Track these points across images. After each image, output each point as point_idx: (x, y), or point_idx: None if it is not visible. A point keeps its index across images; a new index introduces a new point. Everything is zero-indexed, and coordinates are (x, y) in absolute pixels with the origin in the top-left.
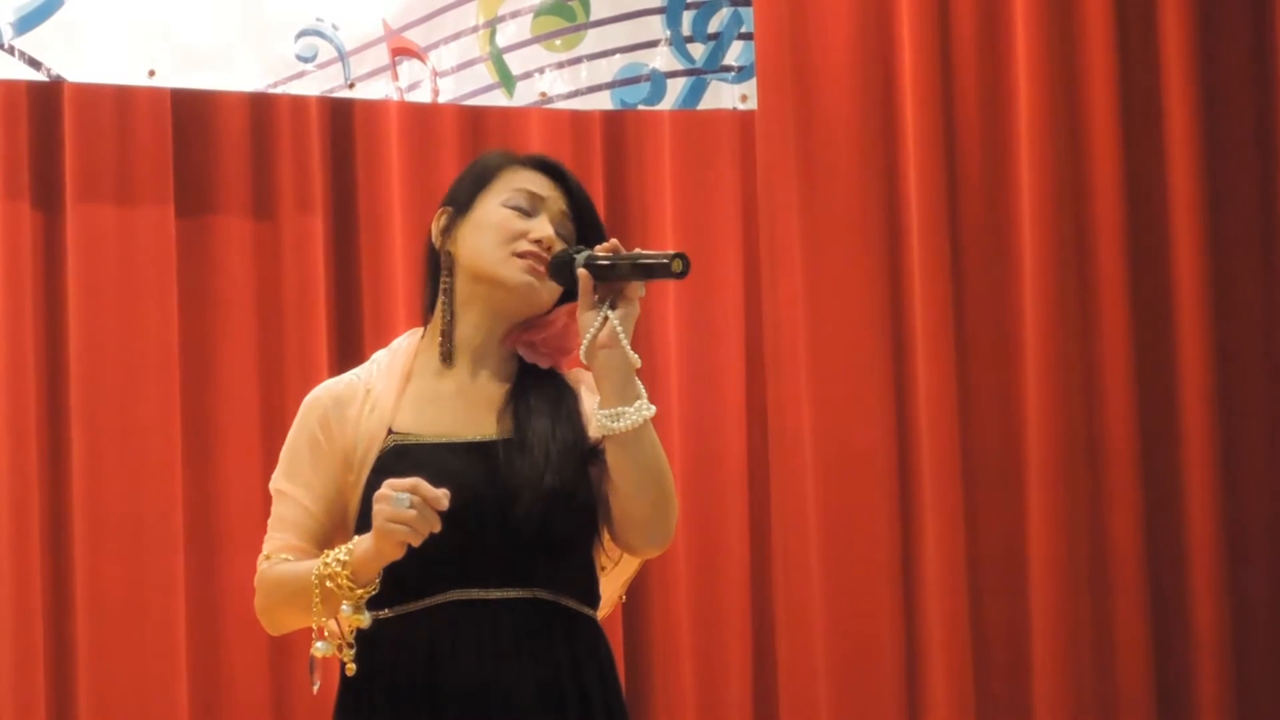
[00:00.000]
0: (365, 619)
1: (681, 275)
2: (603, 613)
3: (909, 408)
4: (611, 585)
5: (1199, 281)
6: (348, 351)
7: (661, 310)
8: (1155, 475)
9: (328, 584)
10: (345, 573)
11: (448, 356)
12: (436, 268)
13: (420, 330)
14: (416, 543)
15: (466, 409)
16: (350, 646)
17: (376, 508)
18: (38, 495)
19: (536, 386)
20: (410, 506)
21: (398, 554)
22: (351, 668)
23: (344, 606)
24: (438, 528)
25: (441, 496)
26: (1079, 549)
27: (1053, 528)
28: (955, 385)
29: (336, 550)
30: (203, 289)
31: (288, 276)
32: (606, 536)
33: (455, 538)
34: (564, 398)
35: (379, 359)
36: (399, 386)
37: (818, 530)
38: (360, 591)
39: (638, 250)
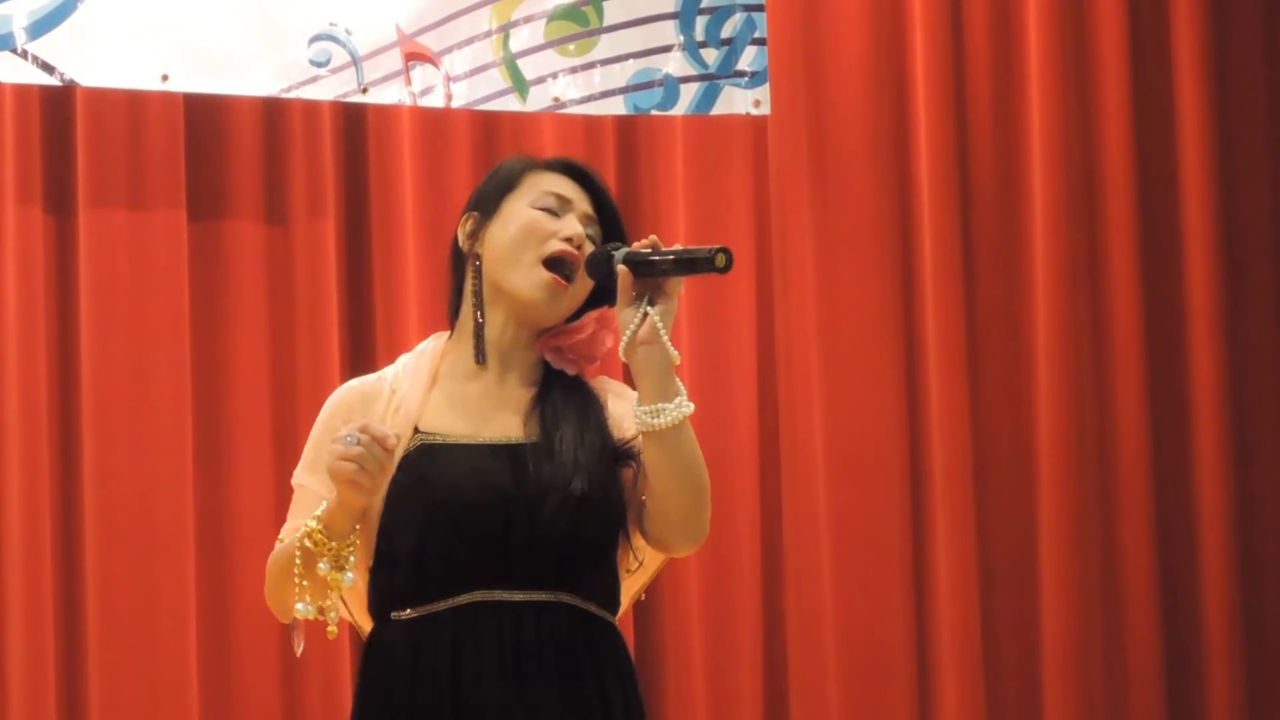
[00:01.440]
0: (346, 578)
1: (725, 270)
2: (619, 613)
3: (920, 411)
4: (632, 588)
5: (1211, 285)
6: (360, 356)
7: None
8: (1167, 479)
9: (306, 542)
10: (319, 527)
11: (481, 356)
12: (462, 273)
13: (446, 333)
14: (367, 483)
15: (493, 411)
16: (334, 610)
17: (329, 448)
18: (49, 500)
19: (563, 392)
20: (358, 444)
21: (355, 499)
22: (333, 630)
23: (321, 564)
24: (390, 467)
25: (389, 436)
26: (1090, 552)
27: (1064, 531)
28: (966, 389)
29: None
30: (215, 294)
31: (300, 281)
32: (636, 539)
33: (481, 538)
34: (591, 404)
35: (404, 361)
36: (426, 387)
37: (829, 533)
38: (334, 545)
39: (678, 246)
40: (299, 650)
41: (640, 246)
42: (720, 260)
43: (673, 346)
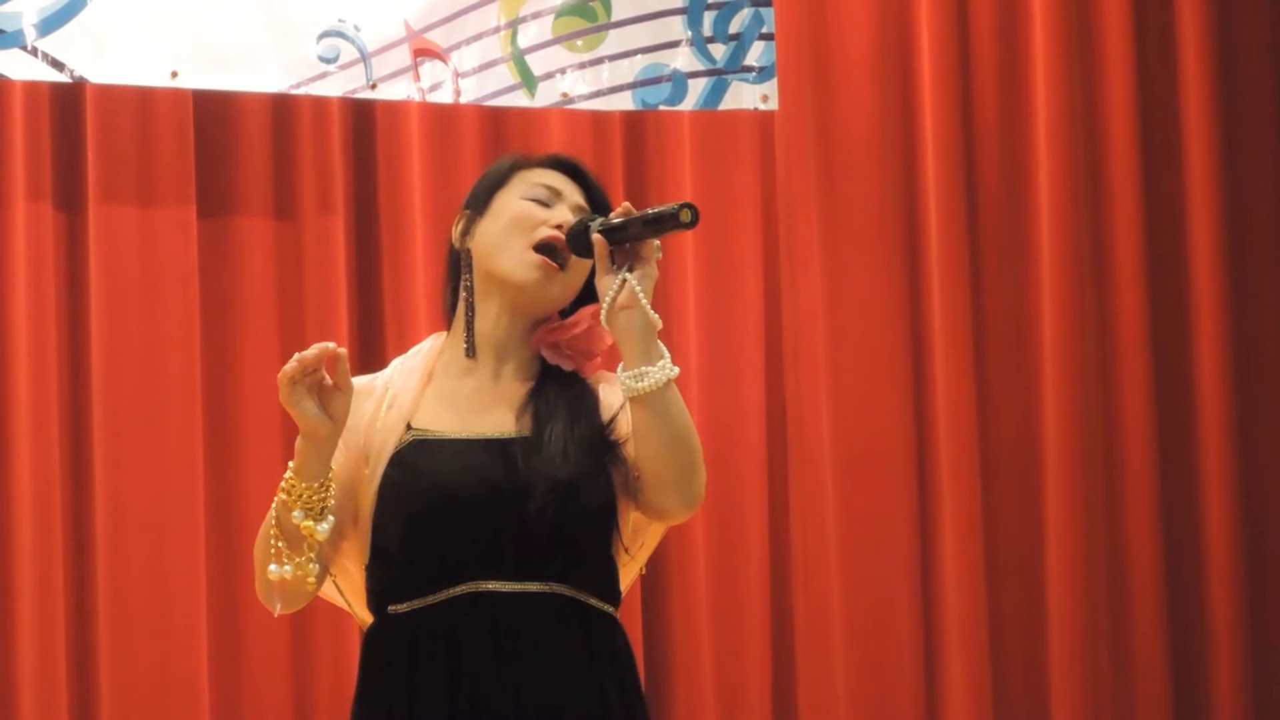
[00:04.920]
0: (321, 528)
1: (691, 225)
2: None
3: (927, 407)
4: (629, 573)
5: (1216, 281)
6: (369, 352)
7: (681, 310)
8: (1173, 474)
9: (281, 495)
10: (290, 473)
11: (471, 349)
12: (457, 271)
13: (443, 334)
14: (298, 367)
15: (486, 407)
16: (312, 562)
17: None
18: (60, 495)
19: (557, 386)
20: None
21: (313, 426)
22: (311, 584)
23: (295, 513)
24: (313, 350)
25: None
26: (1096, 548)
27: (1070, 527)
28: (973, 385)
29: None
30: (224, 289)
31: (309, 277)
32: (629, 525)
33: (471, 531)
34: (584, 397)
35: (400, 362)
36: (420, 384)
37: (836, 529)
38: (304, 487)
39: (649, 209)
40: (276, 611)
41: (614, 216)
42: (686, 216)
43: (653, 311)
